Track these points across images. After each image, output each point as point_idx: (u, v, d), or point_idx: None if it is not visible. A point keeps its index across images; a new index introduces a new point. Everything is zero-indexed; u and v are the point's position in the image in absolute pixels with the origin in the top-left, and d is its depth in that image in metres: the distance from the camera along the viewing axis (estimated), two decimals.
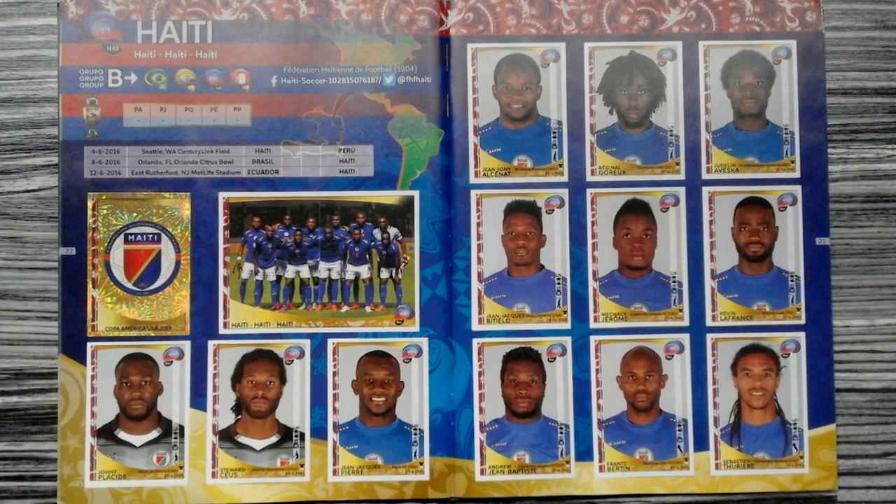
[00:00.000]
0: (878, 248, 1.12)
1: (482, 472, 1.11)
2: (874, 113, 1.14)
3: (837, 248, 1.13)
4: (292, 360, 1.12)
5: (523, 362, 1.12)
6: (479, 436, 1.12)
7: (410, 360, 1.12)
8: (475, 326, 1.12)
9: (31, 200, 1.12)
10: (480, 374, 1.12)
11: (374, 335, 1.13)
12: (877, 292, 1.12)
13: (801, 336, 1.12)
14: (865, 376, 1.12)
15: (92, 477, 1.10)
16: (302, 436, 1.11)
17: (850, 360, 1.12)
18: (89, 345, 1.11)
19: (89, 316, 1.11)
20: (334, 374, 1.12)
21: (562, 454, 1.12)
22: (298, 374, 1.12)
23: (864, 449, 1.12)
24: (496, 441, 1.12)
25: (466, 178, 1.13)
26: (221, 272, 1.12)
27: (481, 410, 1.12)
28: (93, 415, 1.10)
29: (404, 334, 1.13)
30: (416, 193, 1.13)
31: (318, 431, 1.11)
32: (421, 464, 1.11)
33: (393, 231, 1.13)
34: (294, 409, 1.12)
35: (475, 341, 1.12)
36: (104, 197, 1.12)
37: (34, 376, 1.11)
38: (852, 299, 1.12)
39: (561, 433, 1.12)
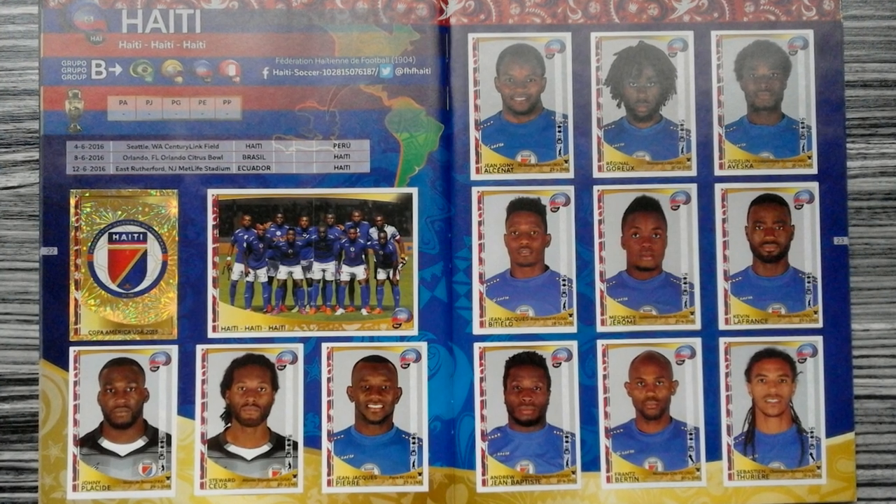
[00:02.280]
0: None
1: (484, 482, 1.08)
2: (895, 106, 1.11)
3: (856, 247, 1.10)
4: (284, 366, 1.08)
5: (527, 368, 1.09)
6: (480, 445, 1.08)
7: (409, 365, 1.09)
8: (476, 330, 1.09)
9: (10, 198, 1.09)
10: (482, 380, 1.09)
11: (371, 339, 1.09)
12: None
13: (818, 340, 1.09)
14: (886, 382, 1.09)
15: (75, 488, 1.06)
16: (295, 445, 1.08)
17: (870, 365, 1.09)
18: (72, 349, 1.07)
19: (72, 319, 1.07)
20: (329, 379, 1.08)
21: (567, 464, 1.08)
22: (291, 380, 1.08)
23: (884, 458, 1.09)
24: (499, 450, 1.08)
25: (467, 174, 1.09)
26: (210, 273, 1.09)
27: (483, 418, 1.08)
28: (75, 423, 1.07)
29: (402, 338, 1.09)
30: (414, 191, 1.09)
31: (312, 440, 1.08)
32: (420, 474, 1.08)
33: (390, 230, 1.09)
34: (286, 416, 1.08)
35: (476, 346, 1.09)
36: (87, 194, 1.08)
37: (14, 382, 1.08)
38: (872, 301, 1.10)
39: (566, 442, 1.08)
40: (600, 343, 1.09)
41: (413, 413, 1.08)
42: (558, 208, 1.10)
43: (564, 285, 1.09)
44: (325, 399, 1.08)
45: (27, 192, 1.09)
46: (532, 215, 1.10)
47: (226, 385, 1.08)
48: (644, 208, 1.10)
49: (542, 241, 1.10)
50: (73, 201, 1.08)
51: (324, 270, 1.10)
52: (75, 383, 1.07)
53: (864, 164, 1.10)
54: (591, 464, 1.08)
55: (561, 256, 1.10)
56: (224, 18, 1.09)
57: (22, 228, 1.09)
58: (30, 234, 1.09)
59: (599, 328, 1.09)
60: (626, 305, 1.09)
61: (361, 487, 1.08)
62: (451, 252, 1.09)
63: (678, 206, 1.10)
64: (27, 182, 1.09)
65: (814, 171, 1.10)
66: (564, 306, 1.09)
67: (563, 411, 1.09)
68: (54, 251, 1.08)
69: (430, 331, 1.09)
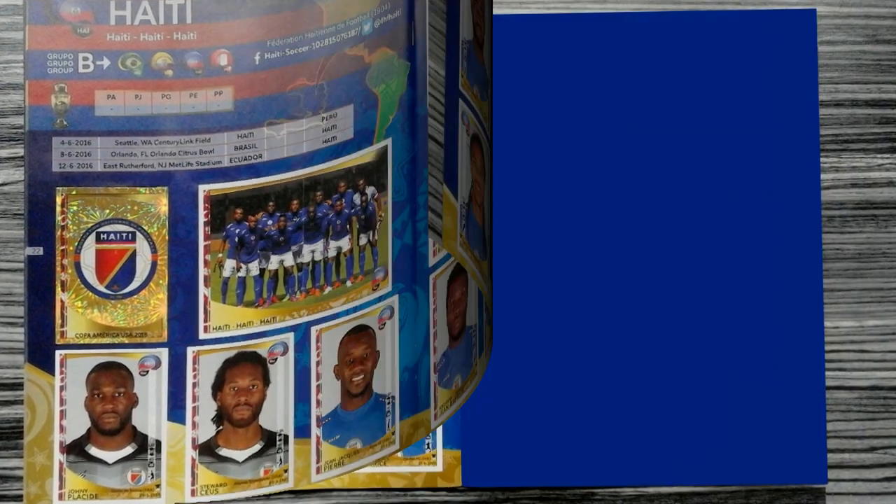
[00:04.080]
0: (868, 253, 1.18)
1: (435, 416, 1.09)
2: (865, 124, 1.19)
3: (828, 252, 1.18)
4: (276, 358, 1.08)
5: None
6: (433, 378, 1.08)
7: (384, 324, 1.08)
8: (431, 261, 1.07)
9: None
10: (435, 310, 1.08)
11: (353, 310, 1.08)
12: (865, 295, 1.18)
13: None
14: (854, 375, 1.18)
15: (61, 497, 1.04)
16: (286, 439, 1.08)
17: (840, 359, 1.18)
18: (58, 353, 1.04)
19: (58, 322, 1.04)
20: (317, 363, 1.08)
21: None
22: (282, 373, 1.08)
23: (851, 444, 1.18)
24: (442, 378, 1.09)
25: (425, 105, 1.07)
26: (202, 272, 1.07)
27: (434, 350, 1.08)
28: (62, 429, 1.04)
29: (379, 299, 1.08)
30: (388, 142, 1.07)
31: (302, 430, 1.08)
32: (393, 434, 1.09)
33: (370, 190, 1.08)
34: (278, 410, 1.08)
35: (431, 277, 1.08)
36: (74, 192, 1.05)
37: None
38: (842, 301, 1.18)
39: None
40: None
41: (387, 373, 1.08)
42: None
43: None
44: (314, 384, 1.08)
45: (12, 189, 1.06)
46: None
47: (217, 386, 1.07)
48: None
49: None
50: (59, 199, 1.04)
51: (313, 251, 1.08)
52: (62, 388, 1.04)
53: (836, 176, 1.19)
54: None
55: None
56: (215, 6, 1.07)
57: (6, 228, 1.07)
58: (14, 233, 1.07)
59: None
60: None
61: (347, 465, 1.08)
62: (415, 191, 1.08)
63: None
64: (12, 179, 1.06)
65: None
66: None
67: None
68: (40, 251, 1.04)
69: (401, 280, 1.08)
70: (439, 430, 1.11)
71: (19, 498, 1.06)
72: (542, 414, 1.12)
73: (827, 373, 1.17)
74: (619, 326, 1.13)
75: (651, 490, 1.15)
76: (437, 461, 1.11)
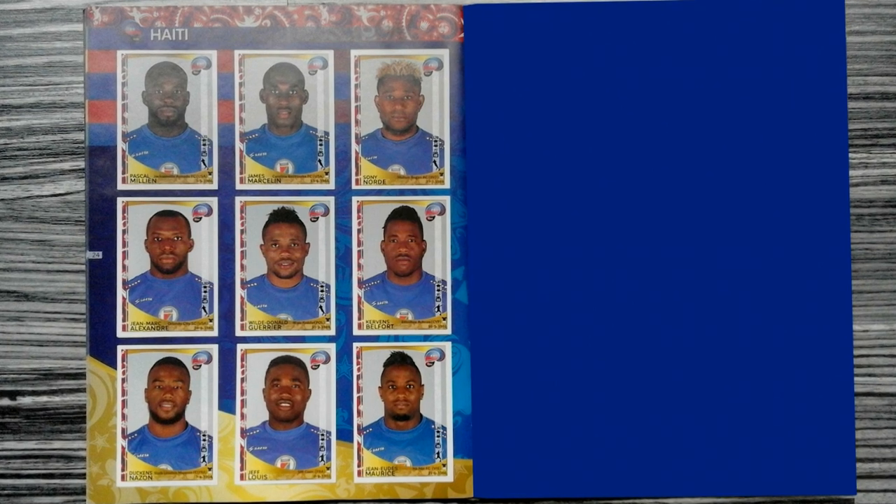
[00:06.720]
0: None
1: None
2: (895, 118, 1.15)
3: (857, 252, 1.13)
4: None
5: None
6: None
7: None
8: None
9: (58, 204, 1.14)
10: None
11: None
12: None
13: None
14: (884, 381, 1.13)
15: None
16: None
17: (869, 364, 1.13)
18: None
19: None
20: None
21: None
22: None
23: (881, 453, 1.13)
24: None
25: None
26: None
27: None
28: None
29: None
30: None
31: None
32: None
33: None
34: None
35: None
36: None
37: (63, 377, 1.13)
38: (871, 304, 1.13)
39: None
40: None
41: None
42: None
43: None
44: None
45: (74, 198, 1.14)
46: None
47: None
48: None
49: None
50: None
51: None
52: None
53: (865, 172, 1.14)
54: None
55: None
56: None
57: (70, 233, 1.14)
58: (77, 237, 1.14)
59: None
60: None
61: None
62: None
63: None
64: (74, 189, 1.14)
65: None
66: None
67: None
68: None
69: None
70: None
71: (83, 476, 1.13)
72: (557, 421, 1.11)
73: (856, 378, 1.12)
74: (639, 330, 1.11)
75: (671, 501, 1.13)
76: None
